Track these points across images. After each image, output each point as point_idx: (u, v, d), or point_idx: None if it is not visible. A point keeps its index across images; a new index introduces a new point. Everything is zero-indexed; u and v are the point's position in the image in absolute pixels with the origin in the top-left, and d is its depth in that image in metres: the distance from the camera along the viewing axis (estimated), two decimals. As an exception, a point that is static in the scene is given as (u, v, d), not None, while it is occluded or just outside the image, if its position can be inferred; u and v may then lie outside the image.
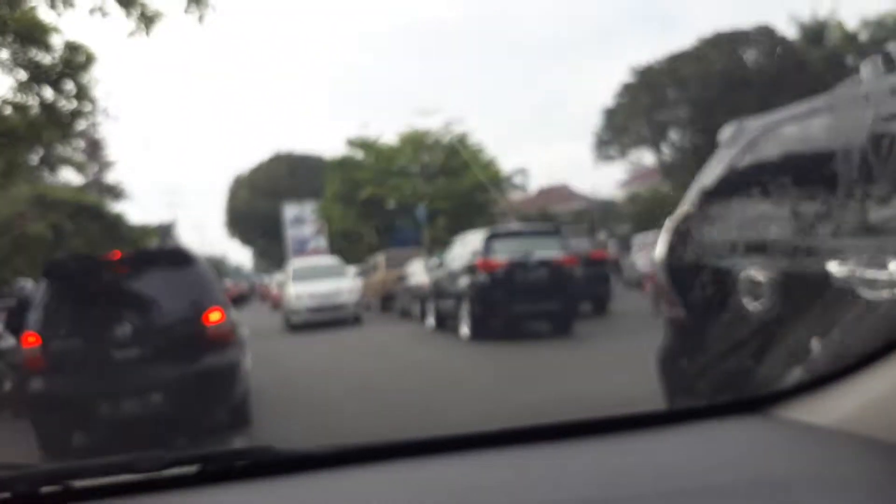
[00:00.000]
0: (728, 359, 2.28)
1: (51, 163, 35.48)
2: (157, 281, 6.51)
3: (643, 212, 38.18)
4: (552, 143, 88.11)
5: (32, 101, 9.59)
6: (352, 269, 21.51)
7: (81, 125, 10.06)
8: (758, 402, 1.52)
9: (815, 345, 1.64)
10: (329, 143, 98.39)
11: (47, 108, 9.55)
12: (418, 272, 16.78)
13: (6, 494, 1.25)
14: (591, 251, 13.86)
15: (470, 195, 30.04)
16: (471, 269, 11.93)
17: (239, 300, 12.66)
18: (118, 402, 5.81)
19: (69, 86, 9.40)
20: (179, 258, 6.86)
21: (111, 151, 36.79)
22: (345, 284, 18.36)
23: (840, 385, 1.38)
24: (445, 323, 13.28)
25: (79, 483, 1.30)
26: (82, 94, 9.62)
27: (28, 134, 9.78)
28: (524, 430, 1.46)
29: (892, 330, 1.49)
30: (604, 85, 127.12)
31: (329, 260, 22.72)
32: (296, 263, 21.76)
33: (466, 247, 12.71)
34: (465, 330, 11.99)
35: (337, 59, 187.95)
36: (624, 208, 45.40)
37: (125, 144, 67.62)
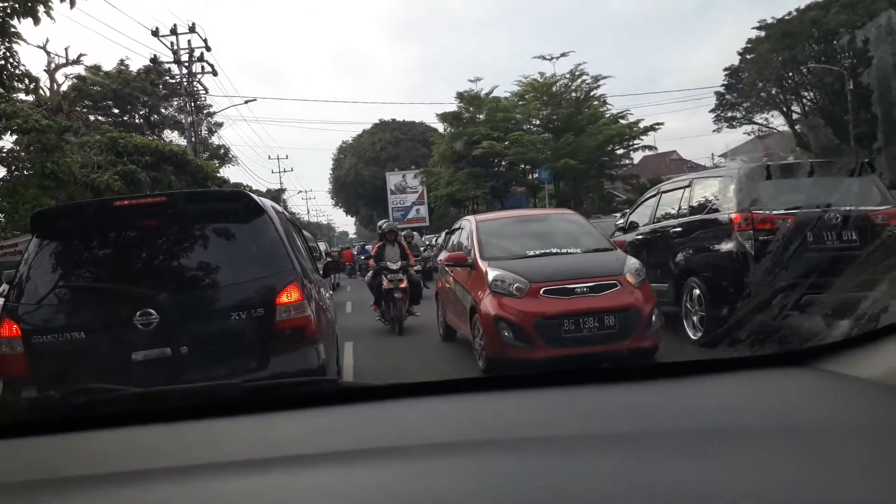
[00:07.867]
0: None
1: (153, 123, 32.49)
2: (205, 241, 4.20)
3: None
4: (647, 116, 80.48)
5: None
6: None
7: None
8: (803, 355, 1.44)
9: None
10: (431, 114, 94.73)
11: None
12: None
13: (100, 411, 1.38)
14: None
15: (598, 152, 24.25)
16: (713, 231, 6.71)
17: (332, 268, 7.97)
18: None
19: None
20: (241, 207, 4.29)
21: (216, 113, 33.17)
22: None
23: (885, 341, 1.30)
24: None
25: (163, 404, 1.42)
26: None
27: None
28: (573, 372, 1.45)
29: None
30: (699, 61, 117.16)
31: None
32: None
33: (693, 194, 7.38)
34: (688, 328, 6.99)
35: (438, 35, 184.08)
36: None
37: (232, 107, 65.24)
